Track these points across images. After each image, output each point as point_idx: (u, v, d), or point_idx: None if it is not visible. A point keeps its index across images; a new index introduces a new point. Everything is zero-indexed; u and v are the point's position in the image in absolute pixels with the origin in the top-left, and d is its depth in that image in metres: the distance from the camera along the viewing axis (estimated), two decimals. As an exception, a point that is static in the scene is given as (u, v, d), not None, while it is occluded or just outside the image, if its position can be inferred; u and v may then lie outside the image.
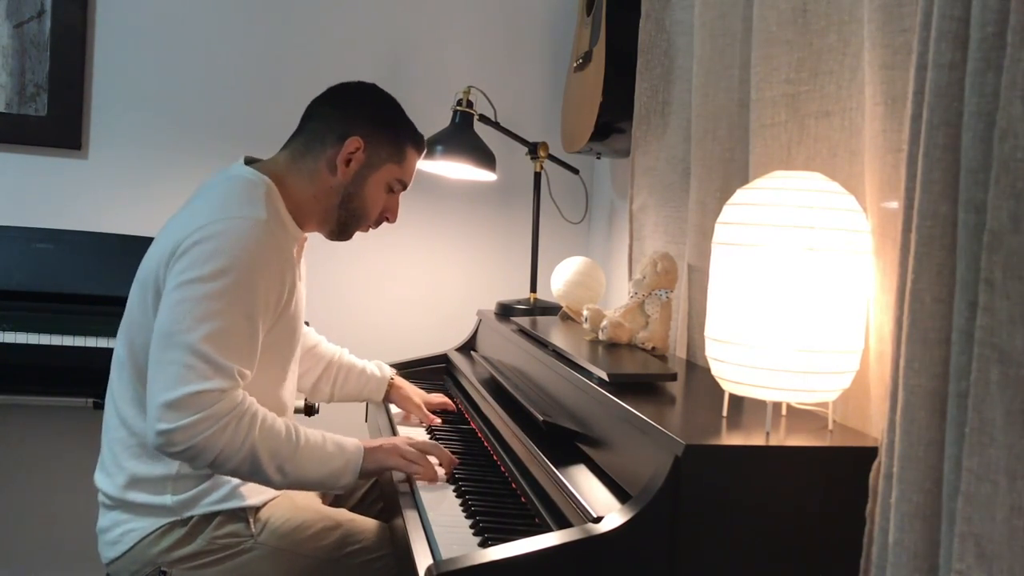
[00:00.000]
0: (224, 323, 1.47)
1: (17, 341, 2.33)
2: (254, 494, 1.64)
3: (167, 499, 1.58)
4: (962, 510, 0.90)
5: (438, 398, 2.14)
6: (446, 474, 1.63)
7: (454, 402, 2.20)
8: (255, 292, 1.51)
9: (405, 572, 1.32)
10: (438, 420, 2.04)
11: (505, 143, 2.69)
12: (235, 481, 1.62)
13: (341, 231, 1.75)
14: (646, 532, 1.10)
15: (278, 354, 1.67)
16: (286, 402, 1.75)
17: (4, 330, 2.34)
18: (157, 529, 1.58)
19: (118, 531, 1.61)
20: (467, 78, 2.79)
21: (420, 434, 1.96)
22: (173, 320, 1.47)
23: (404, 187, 1.78)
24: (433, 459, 1.63)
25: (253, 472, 1.50)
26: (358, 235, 1.80)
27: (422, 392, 2.15)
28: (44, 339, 2.35)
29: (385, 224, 1.83)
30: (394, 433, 1.95)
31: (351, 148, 1.67)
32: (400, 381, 2.12)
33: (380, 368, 2.12)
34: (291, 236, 1.66)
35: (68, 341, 2.36)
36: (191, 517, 1.59)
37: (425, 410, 2.06)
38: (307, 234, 1.78)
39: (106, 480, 1.63)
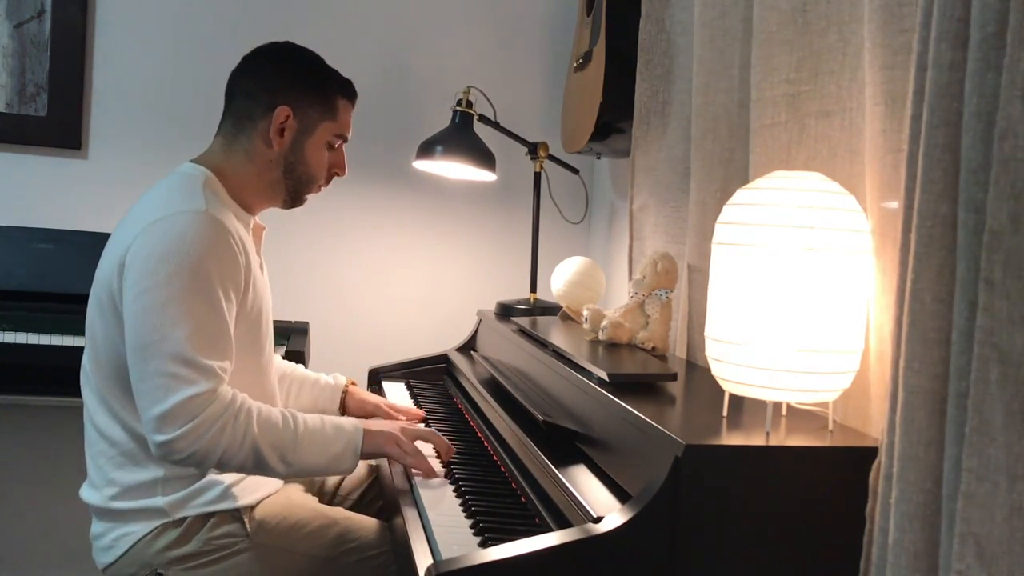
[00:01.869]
0: (194, 323, 1.46)
1: (17, 341, 2.33)
2: (248, 493, 1.64)
3: (159, 500, 1.58)
4: (962, 510, 0.90)
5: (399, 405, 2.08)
6: (443, 462, 1.64)
7: (454, 401, 2.20)
8: (212, 284, 1.50)
9: (405, 572, 1.32)
10: (403, 417, 1.99)
11: (505, 143, 2.69)
12: (227, 481, 1.62)
13: (294, 199, 1.74)
14: (646, 532, 1.10)
15: (250, 345, 1.65)
16: (271, 391, 1.74)
17: (4, 330, 2.34)
18: (151, 531, 1.58)
19: (111, 536, 1.60)
20: (467, 78, 2.78)
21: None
22: (143, 332, 1.47)
23: (344, 140, 1.75)
24: (430, 447, 1.64)
25: (257, 466, 1.51)
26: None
27: (381, 398, 2.10)
28: (44, 339, 2.35)
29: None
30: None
31: (281, 118, 1.65)
32: (356, 389, 2.08)
33: (335, 378, 2.07)
34: (238, 222, 1.63)
35: (68, 341, 2.36)
36: (185, 518, 1.58)
37: (387, 408, 2.01)
38: (266, 226, 1.76)
39: (94, 494, 1.62)
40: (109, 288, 1.54)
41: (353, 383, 2.11)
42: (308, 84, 1.68)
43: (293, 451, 1.52)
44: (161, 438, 1.44)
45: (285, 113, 1.65)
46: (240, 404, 1.49)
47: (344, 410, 2.07)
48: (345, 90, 1.73)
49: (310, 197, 1.77)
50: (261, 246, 1.77)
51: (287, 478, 1.59)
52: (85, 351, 1.64)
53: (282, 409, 1.56)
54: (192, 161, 1.68)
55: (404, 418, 2.02)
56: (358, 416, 2.03)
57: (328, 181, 1.76)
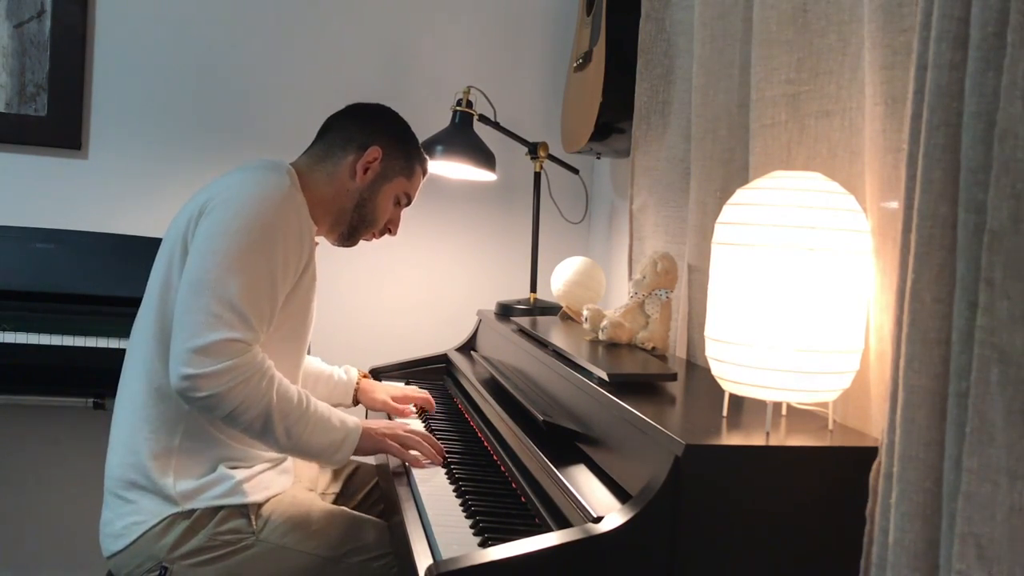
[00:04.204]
0: (250, 277, 1.53)
1: (17, 341, 2.33)
2: (257, 491, 1.65)
3: (169, 483, 1.59)
4: (962, 510, 0.90)
5: (404, 391, 2.15)
6: (436, 460, 1.70)
7: (454, 402, 2.20)
8: (276, 250, 1.57)
9: (405, 572, 1.32)
10: (412, 411, 2.07)
11: (505, 143, 2.69)
12: (239, 476, 1.63)
13: (350, 234, 1.85)
14: (646, 532, 1.10)
15: (296, 329, 1.72)
16: (295, 381, 1.79)
17: (4, 330, 2.34)
18: (160, 522, 1.59)
19: (121, 524, 1.62)
20: (467, 78, 2.78)
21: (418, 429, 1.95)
22: (202, 269, 1.53)
23: (409, 202, 1.89)
24: (424, 449, 1.70)
25: (263, 431, 1.55)
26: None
27: (389, 387, 2.18)
28: (44, 339, 2.35)
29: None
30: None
31: (371, 156, 1.78)
32: (366, 383, 2.14)
33: (347, 372, 2.13)
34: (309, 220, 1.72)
35: (68, 341, 2.36)
36: (194, 511, 1.60)
37: (392, 404, 2.08)
38: (317, 239, 1.81)
39: (113, 459, 1.66)
40: (180, 234, 1.62)
41: (365, 376, 2.17)
42: (400, 142, 1.85)
43: (298, 426, 1.57)
44: (189, 371, 1.47)
45: (376, 154, 1.79)
46: (268, 367, 1.54)
47: (355, 404, 2.13)
48: (423, 163, 1.91)
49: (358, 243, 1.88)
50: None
51: (280, 451, 1.64)
52: (141, 312, 1.70)
53: (298, 388, 1.61)
54: None
55: (412, 408, 2.09)
56: (368, 407, 2.13)
57: (381, 234, 1.89)
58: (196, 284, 1.53)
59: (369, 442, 1.67)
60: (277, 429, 1.55)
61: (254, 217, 1.56)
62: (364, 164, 1.78)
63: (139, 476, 1.61)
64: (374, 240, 1.90)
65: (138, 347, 1.67)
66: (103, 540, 1.66)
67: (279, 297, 1.60)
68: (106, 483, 1.67)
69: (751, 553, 1.14)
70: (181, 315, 1.52)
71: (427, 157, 1.92)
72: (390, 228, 1.89)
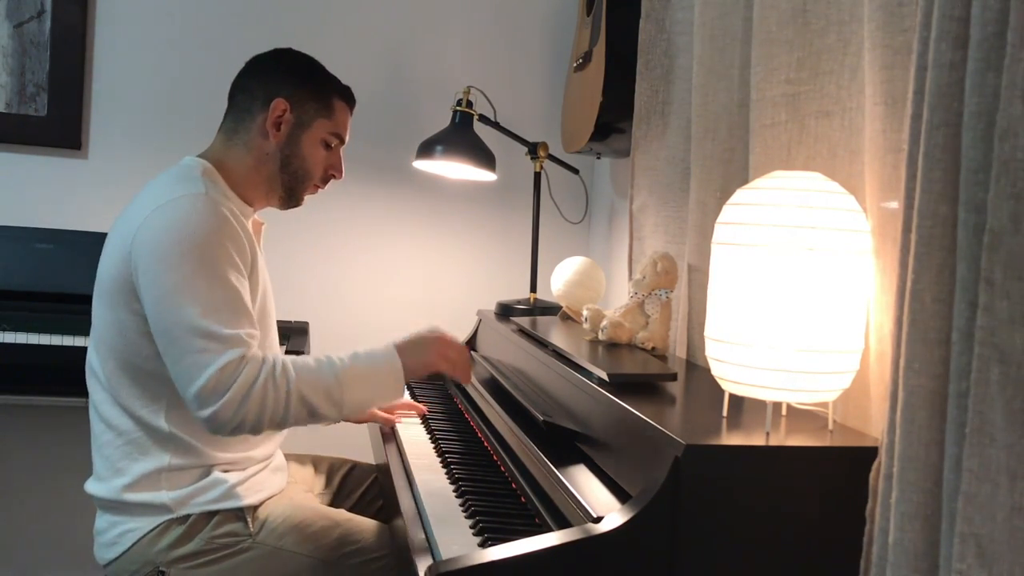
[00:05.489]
0: (210, 297, 1.48)
1: (17, 341, 2.33)
2: (252, 493, 1.64)
3: (163, 496, 1.58)
4: (962, 510, 0.90)
5: (400, 403, 2.09)
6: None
7: (454, 401, 2.20)
8: (220, 259, 1.52)
9: (405, 572, 1.32)
10: (400, 422, 2.01)
11: (505, 143, 2.69)
12: (232, 480, 1.62)
13: (289, 196, 1.76)
14: (646, 532, 1.10)
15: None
16: None
17: (4, 330, 2.34)
18: (155, 528, 1.58)
19: (115, 532, 1.61)
20: (467, 78, 2.79)
21: (420, 432, 1.95)
22: (165, 317, 1.49)
23: (341, 141, 1.79)
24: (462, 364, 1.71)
25: (311, 415, 1.52)
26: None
27: None
28: (44, 339, 2.35)
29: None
30: (392, 429, 1.95)
31: (278, 111, 1.69)
32: None
33: None
34: (239, 210, 1.65)
35: (68, 341, 2.36)
36: (188, 516, 1.59)
37: (380, 413, 2.01)
38: (264, 221, 1.77)
39: (100, 486, 1.62)
40: (116, 277, 1.56)
41: None
42: (305, 81, 1.73)
43: (338, 390, 1.53)
44: (206, 413, 1.45)
45: (282, 106, 1.69)
46: (274, 361, 1.49)
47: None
48: (343, 93, 1.78)
49: (308, 198, 1.79)
50: (260, 242, 1.77)
51: (340, 420, 1.60)
52: (90, 344, 1.66)
53: (315, 355, 1.57)
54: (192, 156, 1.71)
55: (399, 423, 2.02)
56: (356, 421, 2.04)
57: (325, 182, 1.79)
58: (167, 332, 1.48)
59: (412, 360, 1.63)
60: (322, 407, 1.51)
61: (187, 240, 1.50)
62: (273, 121, 1.68)
63: (130, 494, 1.59)
64: (320, 191, 1.80)
65: (98, 381, 1.63)
66: (97, 549, 1.64)
67: (244, 292, 1.55)
68: (95, 499, 1.65)
69: (751, 553, 1.14)
70: (172, 367, 1.49)
71: (346, 86, 1.78)
72: (333, 174, 1.78)
